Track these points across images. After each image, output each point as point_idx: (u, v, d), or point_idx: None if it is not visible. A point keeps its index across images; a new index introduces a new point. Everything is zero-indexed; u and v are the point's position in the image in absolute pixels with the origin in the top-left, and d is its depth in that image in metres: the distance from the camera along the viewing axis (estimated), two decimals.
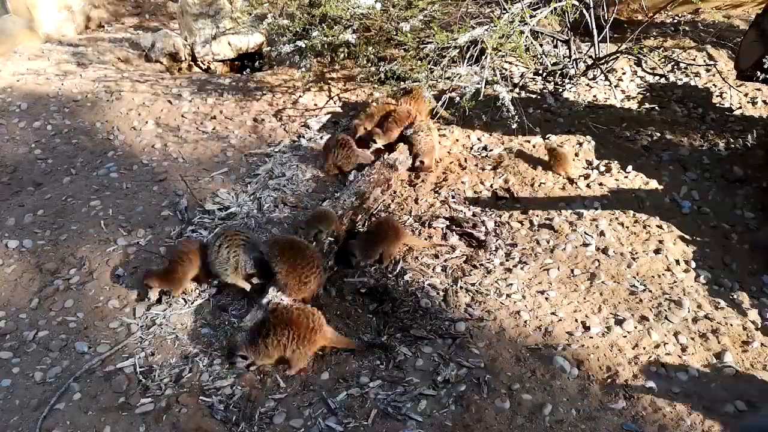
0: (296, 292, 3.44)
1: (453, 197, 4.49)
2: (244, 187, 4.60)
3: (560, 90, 5.72)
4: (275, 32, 5.81)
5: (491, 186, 4.61)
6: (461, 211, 4.34)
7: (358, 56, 5.59)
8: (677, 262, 3.89)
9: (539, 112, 5.50)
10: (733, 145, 5.03)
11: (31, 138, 5.04)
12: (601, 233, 4.08)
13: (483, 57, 4.73)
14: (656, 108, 5.51)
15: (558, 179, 4.62)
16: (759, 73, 4.45)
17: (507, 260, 3.89)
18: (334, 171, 4.71)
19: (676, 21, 6.78)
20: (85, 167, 4.80)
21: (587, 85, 5.85)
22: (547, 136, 5.11)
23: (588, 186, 4.55)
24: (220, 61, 6.65)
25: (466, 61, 4.84)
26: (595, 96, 5.73)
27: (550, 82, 5.88)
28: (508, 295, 3.62)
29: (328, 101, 5.64)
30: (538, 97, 5.74)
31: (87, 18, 7.53)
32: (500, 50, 4.82)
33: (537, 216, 4.27)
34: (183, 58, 6.60)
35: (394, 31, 5.14)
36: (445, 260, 3.93)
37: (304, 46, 5.30)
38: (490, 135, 5.18)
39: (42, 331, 3.48)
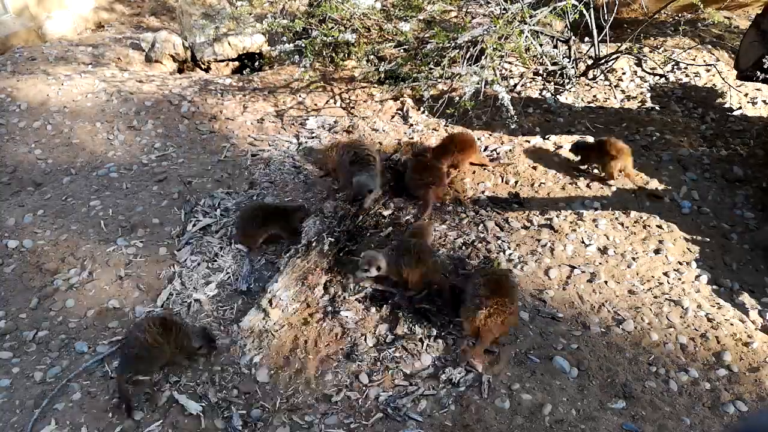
0: None
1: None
2: (244, 188, 4.60)
3: (560, 90, 5.72)
4: (275, 32, 5.81)
5: (491, 186, 4.61)
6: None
7: (359, 56, 5.59)
8: (677, 262, 3.89)
9: (539, 112, 5.50)
10: (733, 145, 5.03)
11: (31, 138, 5.04)
12: (601, 233, 4.08)
13: (483, 57, 4.73)
14: (656, 108, 5.51)
15: (558, 179, 4.61)
16: (759, 73, 4.46)
17: (507, 260, 3.89)
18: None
19: (676, 21, 6.79)
20: (85, 167, 4.80)
21: (587, 85, 5.85)
22: (547, 136, 5.11)
23: (588, 186, 4.55)
24: (220, 61, 6.66)
25: (466, 61, 4.84)
26: (595, 96, 5.73)
27: (550, 82, 5.88)
28: None
29: (328, 101, 5.64)
30: (538, 97, 5.74)
31: (88, 18, 7.54)
32: (500, 50, 4.82)
33: (537, 216, 4.27)
34: (183, 59, 6.61)
35: (394, 31, 5.14)
36: None
37: (304, 45, 5.31)
38: (490, 135, 5.18)
39: (42, 331, 3.48)
